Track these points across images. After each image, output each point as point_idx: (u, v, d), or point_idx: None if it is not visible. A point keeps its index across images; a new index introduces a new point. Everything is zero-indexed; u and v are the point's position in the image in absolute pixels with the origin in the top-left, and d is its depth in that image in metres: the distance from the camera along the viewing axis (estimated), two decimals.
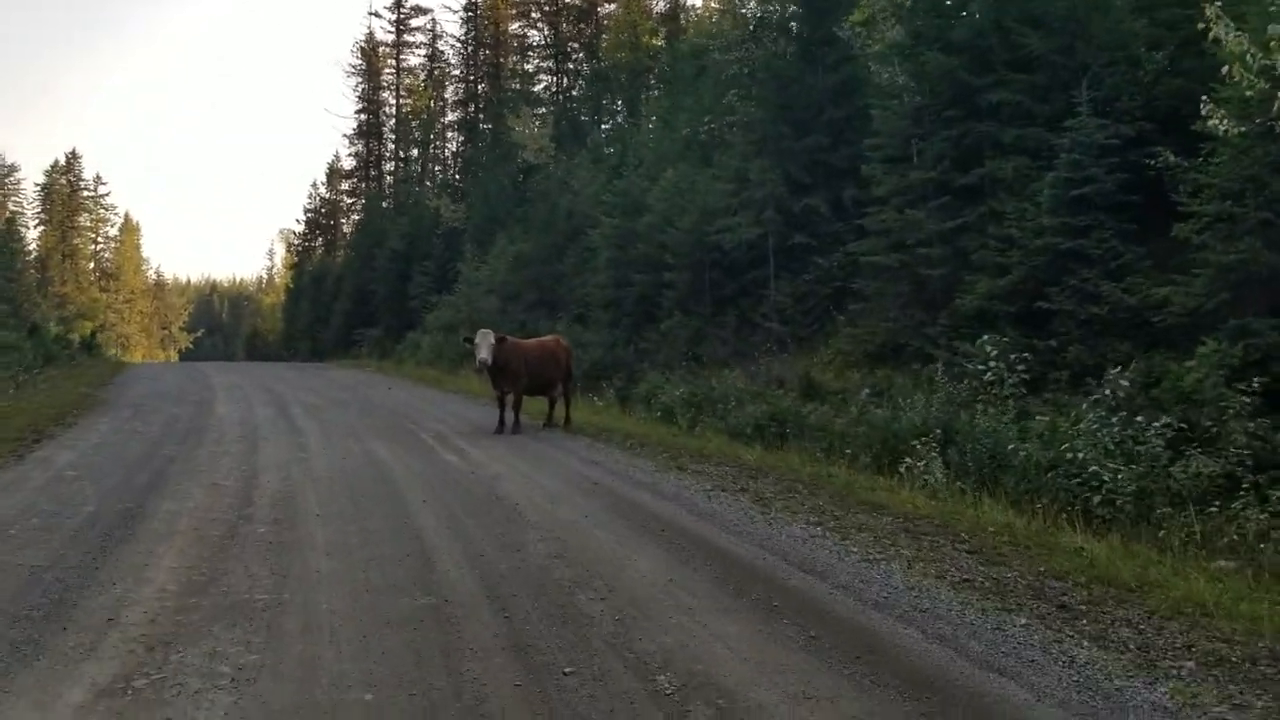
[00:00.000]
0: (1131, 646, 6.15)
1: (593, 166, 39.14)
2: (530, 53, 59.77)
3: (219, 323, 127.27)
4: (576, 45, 55.79)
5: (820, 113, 25.26)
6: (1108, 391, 13.79)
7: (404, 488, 11.49)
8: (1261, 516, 10.32)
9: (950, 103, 20.30)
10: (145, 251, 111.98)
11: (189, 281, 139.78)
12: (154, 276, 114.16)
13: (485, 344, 17.28)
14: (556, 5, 56.20)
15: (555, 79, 56.41)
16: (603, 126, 48.10)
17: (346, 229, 74.99)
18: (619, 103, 49.55)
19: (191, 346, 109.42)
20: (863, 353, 21.82)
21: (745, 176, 26.29)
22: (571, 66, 56.40)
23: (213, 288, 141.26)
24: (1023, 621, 6.61)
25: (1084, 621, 6.64)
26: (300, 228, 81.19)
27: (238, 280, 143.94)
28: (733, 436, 18.50)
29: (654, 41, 46.80)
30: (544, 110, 50.96)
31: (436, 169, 67.01)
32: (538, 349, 18.62)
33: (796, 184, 24.79)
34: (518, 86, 56.97)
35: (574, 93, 55.38)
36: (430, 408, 22.46)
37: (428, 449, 15.30)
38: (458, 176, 63.50)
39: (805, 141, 25.04)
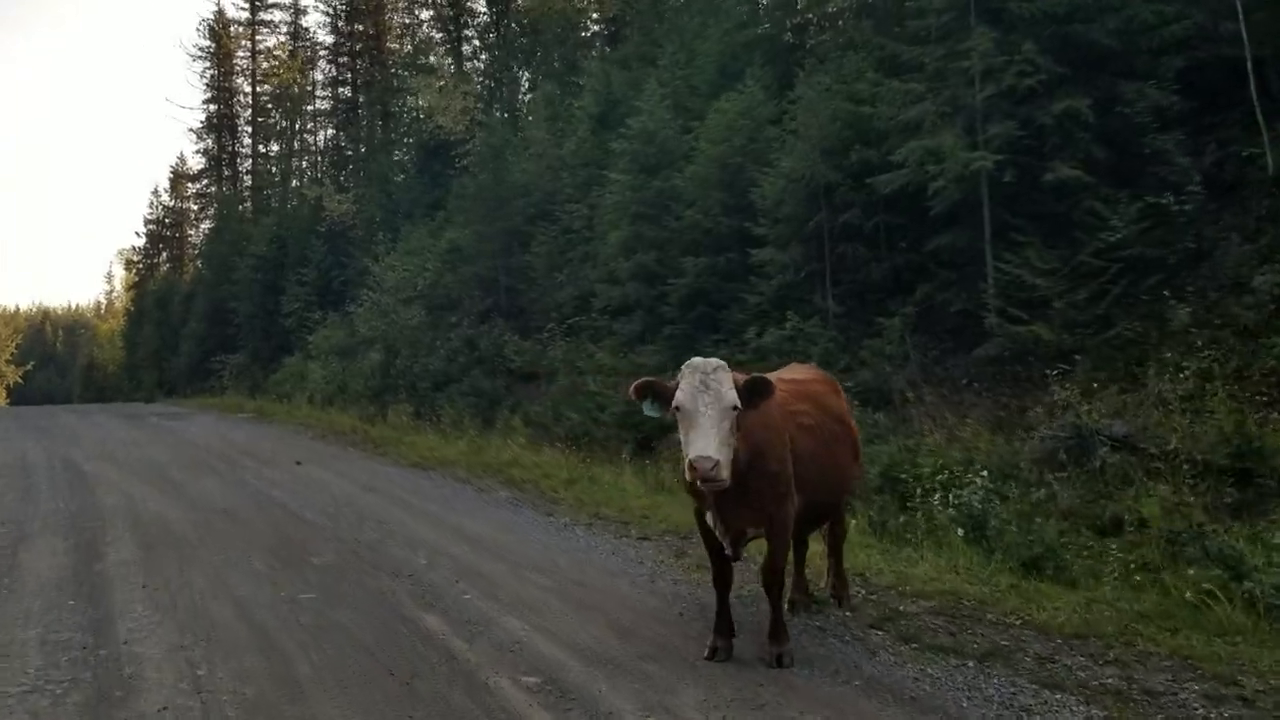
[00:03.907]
0: None
1: (547, 125, 26.61)
2: (422, 26, 46.69)
3: (53, 354, 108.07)
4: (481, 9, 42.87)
5: None
6: None
7: None
8: None
9: None
10: None
11: (18, 310, 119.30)
12: None
13: (713, 411, 5.07)
14: None
15: (451, 46, 43.35)
16: (524, 90, 35.41)
17: (196, 240, 60.05)
18: (534, 64, 37.08)
19: (21, 381, 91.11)
20: None
21: (908, 77, 14.30)
22: (472, 33, 43.48)
23: (45, 316, 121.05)
24: None
25: None
26: (141, 242, 65.71)
27: (74, 307, 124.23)
28: None
29: None
30: (450, 76, 37.99)
31: (304, 163, 52.98)
32: (812, 404, 6.16)
33: (1045, 75, 12.91)
34: (408, 52, 43.81)
35: (477, 62, 42.49)
36: (431, 533, 9.78)
37: None
38: (325, 169, 49.90)
39: (1039, 3, 13.19)
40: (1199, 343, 11.43)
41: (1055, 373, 11.76)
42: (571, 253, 22.03)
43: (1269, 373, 10.68)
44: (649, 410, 5.54)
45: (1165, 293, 11.89)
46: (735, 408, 5.13)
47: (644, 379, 5.59)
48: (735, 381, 5.24)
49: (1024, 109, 13.09)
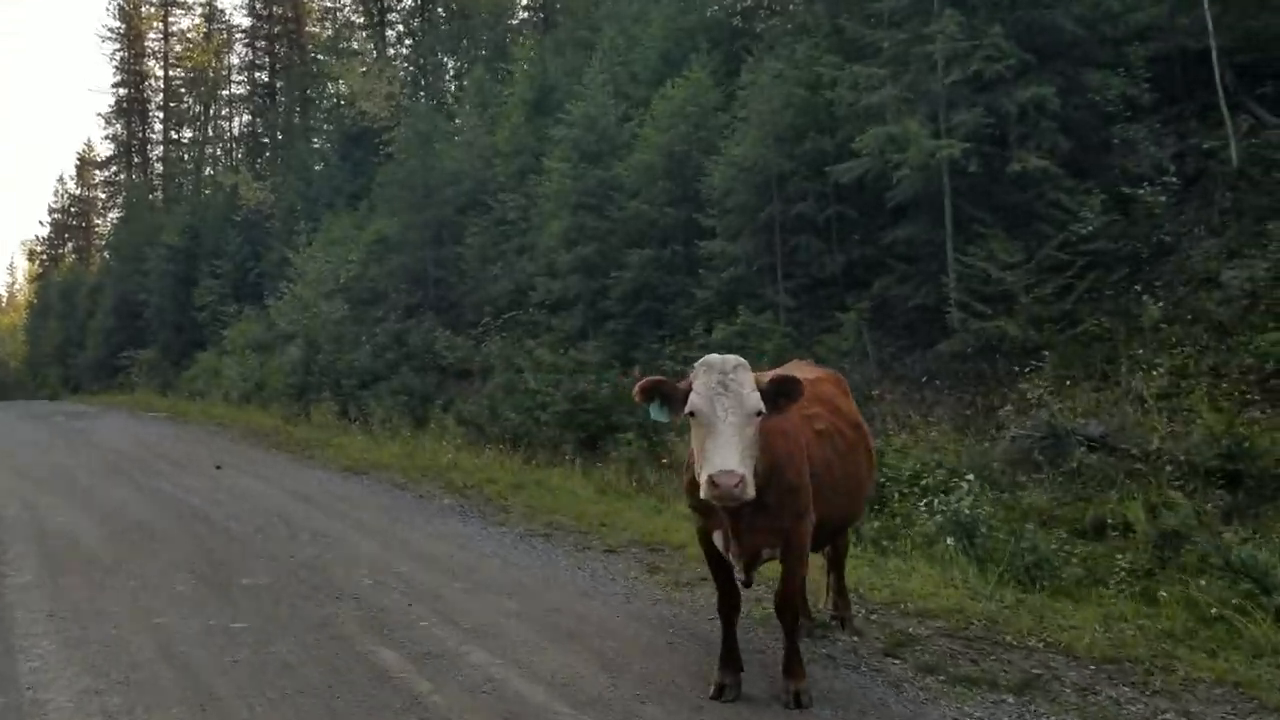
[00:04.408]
0: None
1: (478, 111, 25.63)
2: (344, 9, 45.25)
3: None
4: None
5: None
6: None
7: None
8: None
9: None
10: None
11: None
12: None
13: (735, 418, 4.36)
14: None
15: (374, 31, 41.97)
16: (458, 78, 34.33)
17: (104, 229, 57.57)
18: (460, 50, 36.07)
19: None
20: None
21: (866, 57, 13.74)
22: (396, 18, 42.15)
23: None
24: None
25: None
26: (45, 231, 62.86)
27: None
28: None
29: None
30: (373, 61, 36.70)
31: (219, 150, 51.01)
32: (824, 408, 5.44)
33: (1012, 60, 12.41)
34: (329, 36, 42.34)
35: (402, 48, 41.18)
36: (373, 547, 8.90)
37: None
38: (241, 156, 48.12)
39: None
40: (1173, 339, 11.05)
41: (1028, 369, 11.28)
42: (506, 244, 21.16)
43: (1247, 370, 10.31)
44: (655, 414, 4.77)
45: (1137, 287, 11.49)
46: (759, 413, 4.41)
47: (651, 378, 4.79)
48: (757, 382, 4.51)
49: (987, 96, 12.61)
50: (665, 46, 19.91)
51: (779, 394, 4.52)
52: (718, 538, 4.97)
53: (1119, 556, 7.83)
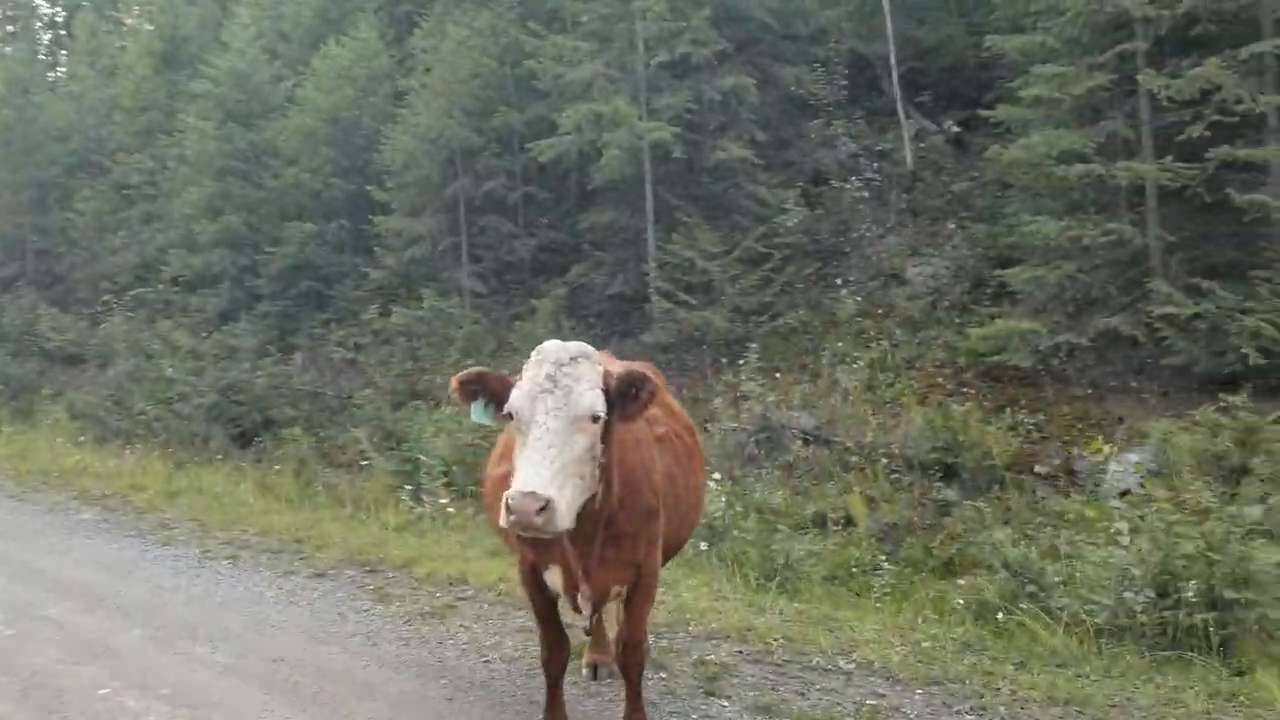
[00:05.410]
0: None
1: (88, 62, 22.11)
2: None
3: None
4: None
5: None
6: None
7: None
8: None
9: None
10: None
11: None
12: None
13: (556, 423, 3.24)
14: None
15: None
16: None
17: None
18: None
19: None
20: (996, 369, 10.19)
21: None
22: None
23: None
24: None
25: None
26: None
27: None
28: None
29: None
30: None
31: None
32: (660, 408, 4.37)
33: (719, 46, 12.00)
34: None
35: None
36: (2, 580, 6.72)
37: None
38: None
39: None
40: (869, 333, 11.13)
41: (741, 361, 10.89)
42: (129, 211, 18.22)
43: (941, 364, 10.53)
44: (478, 416, 3.50)
45: (838, 280, 11.48)
46: (596, 417, 3.31)
47: (471, 370, 3.52)
48: (605, 377, 3.39)
49: (690, 81, 12.15)
50: (321, 4, 17.95)
51: (627, 394, 3.40)
52: (552, 575, 3.81)
53: (872, 554, 7.49)
